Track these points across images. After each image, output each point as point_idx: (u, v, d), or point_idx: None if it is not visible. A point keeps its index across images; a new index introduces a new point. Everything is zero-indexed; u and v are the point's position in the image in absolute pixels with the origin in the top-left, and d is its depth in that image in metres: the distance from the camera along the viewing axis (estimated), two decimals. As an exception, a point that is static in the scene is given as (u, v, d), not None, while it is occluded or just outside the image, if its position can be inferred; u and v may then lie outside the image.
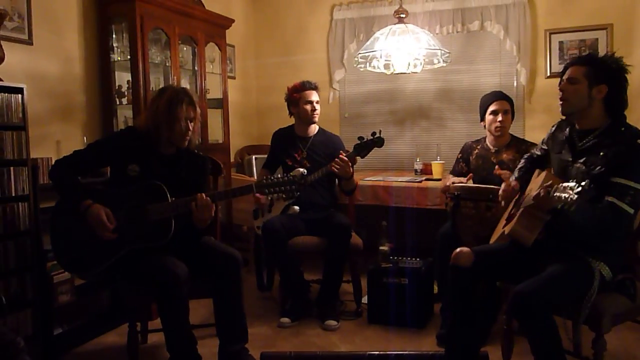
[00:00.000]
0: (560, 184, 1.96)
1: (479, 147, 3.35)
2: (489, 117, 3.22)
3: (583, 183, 2.11)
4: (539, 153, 2.63)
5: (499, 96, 3.25)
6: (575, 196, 1.90)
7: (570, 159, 2.29)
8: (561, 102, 2.30)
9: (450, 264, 2.44)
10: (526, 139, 3.52)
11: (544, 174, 2.40)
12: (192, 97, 2.62)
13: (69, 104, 3.43)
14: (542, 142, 2.61)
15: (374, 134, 3.29)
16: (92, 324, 3.23)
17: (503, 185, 2.60)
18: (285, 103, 3.60)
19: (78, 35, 3.48)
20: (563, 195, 1.92)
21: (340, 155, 3.28)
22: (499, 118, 3.18)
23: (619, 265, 2.23)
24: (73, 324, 3.14)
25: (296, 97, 3.52)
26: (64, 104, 3.40)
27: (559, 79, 2.36)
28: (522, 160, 2.73)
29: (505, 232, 2.39)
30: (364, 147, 3.30)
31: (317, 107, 3.53)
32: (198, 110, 2.63)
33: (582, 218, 2.09)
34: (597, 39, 4.37)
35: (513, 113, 3.27)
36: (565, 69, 2.33)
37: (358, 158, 3.34)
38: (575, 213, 2.05)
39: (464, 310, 2.41)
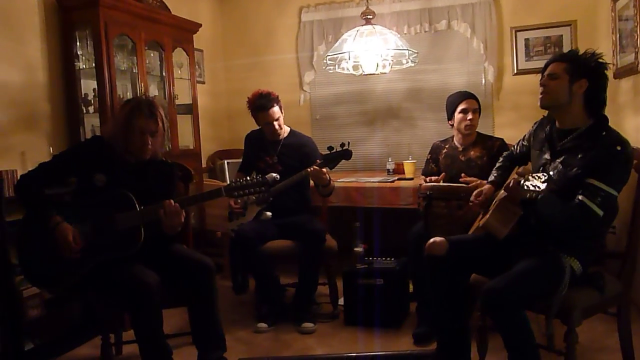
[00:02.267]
0: (530, 174, 1.99)
1: (447, 146, 3.38)
2: (458, 116, 3.24)
3: (551, 172, 2.14)
4: (519, 151, 2.65)
5: (467, 95, 3.28)
6: (543, 185, 1.93)
7: (549, 158, 2.31)
8: (541, 96, 2.30)
9: (425, 254, 2.47)
10: (495, 135, 3.57)
11: (521, 169, 2.43)
12: (155, 110, 2.52)
13: (33, 113, 3.36)
14: (524, 139, 2.62)
15: (342, 145, 3.25)
16: (64, 337, 3.16)
17: (475, 192, 2.62)
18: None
19: (41, 42, 3.40)
20: (531, 184, 1.95)
21: (314, 166, 3.23)
22: (469, 116, 3.20)
23: (590, 261, 2.27)
24: (44, 338, 3.06)
25: (254, 115, 3.48)
26: (28, 114, 3.32)
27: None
28: (501, 159, 2.75)
29: (480, 225, 2.41)
30: (332, 158, 3.25)
31: (277, 124, 3.46)
32: (161, 124, 2.55)
33: (551, 212, 2.12)
34: (561, 36, 4.45)
35: (480, 112, 3.31)
36: (546, 65, 2.33)
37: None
38: (544, 206, 2.08)
39: (445, 299, 2.43)
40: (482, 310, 2.43)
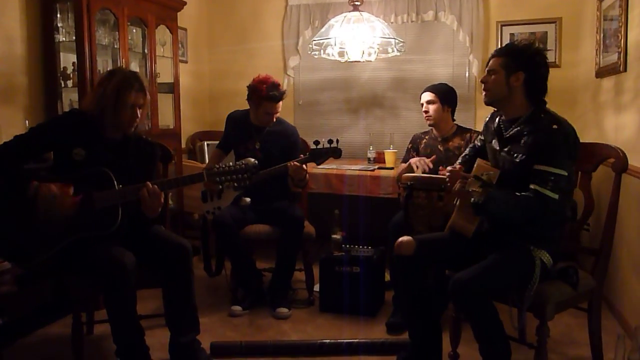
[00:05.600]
0: (470, 178, 2.04)
1: (426, 137, 3.45)
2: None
3: (483, 176, 2.20)
4: (479, 144, 2.69)
5: (424, 89, 3.39)
6: (480, 189, 1.97)
7: (498, 148, 2.36)
8: (484, 93, 2.38)
9: (394, 254, 2.49)
10: (476, 128, 3.60)
11: (476, 163, 2.47)
12: (143, 82, 2.52)
13: (10, 86, 3.27)
14: (481, 134, 2.67)
15: (330, 142, 3.21)
16: (35, 315, 3.11)
17: (449, 168, 2.64)
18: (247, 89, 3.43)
19: (20, 13, 3.31)
20: (472, 188, 2.00)
21: (295, 162, 3.19)
22: (424, 108, 3.33)
23: (558, 252, 2.30)
24: (15, 315, 3.00)
25: (257, 100, 3.36)
26: (4, 87, 3.23)
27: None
28: (467, 149, 2.79)
29: (448, 225, 2.45)
30: (320, 154, 3.22)
31: (275, 117, 3.43)
32: (148, 96, 2.54)
33: (504, 209, 2.16)
34: (546, 32, 4.47)
35: (444, 101, 3.30)
36: (487, 62, 2.40)
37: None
38: (495, 205, 2.14)
39: (414, 297, 2.46)
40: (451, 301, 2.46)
